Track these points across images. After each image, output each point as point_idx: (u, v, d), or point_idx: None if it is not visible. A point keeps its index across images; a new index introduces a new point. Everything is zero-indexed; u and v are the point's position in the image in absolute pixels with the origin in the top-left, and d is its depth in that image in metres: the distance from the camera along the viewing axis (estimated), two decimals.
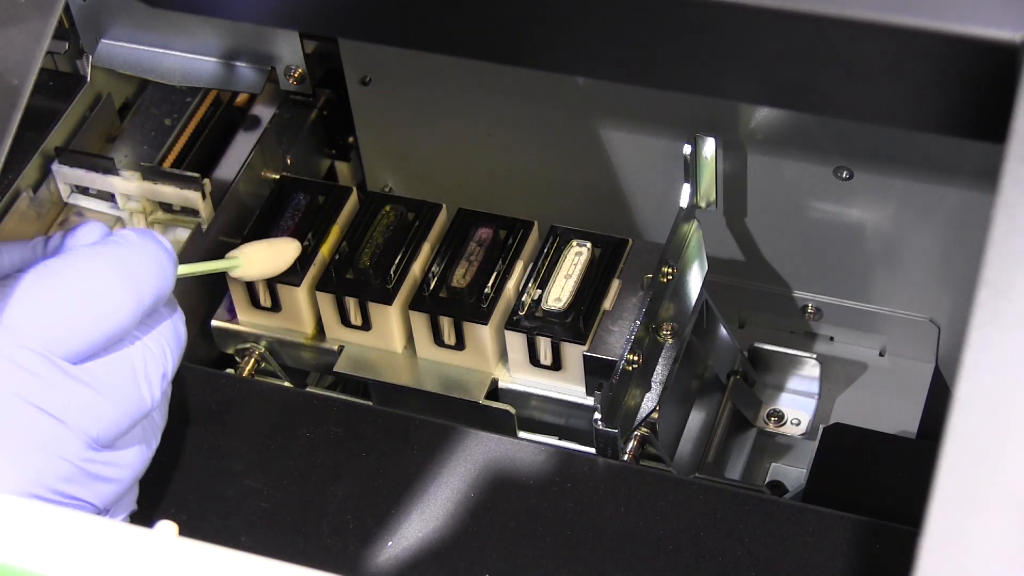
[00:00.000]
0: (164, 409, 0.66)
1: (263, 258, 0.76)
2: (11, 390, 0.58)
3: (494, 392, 0.78)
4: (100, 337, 0.61)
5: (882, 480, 0.78)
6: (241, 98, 0.91)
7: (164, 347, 0.64)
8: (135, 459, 0.64)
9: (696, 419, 0.81)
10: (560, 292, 0.76)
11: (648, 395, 0.76)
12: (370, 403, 0.79)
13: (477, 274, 0.77)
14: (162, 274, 0.63)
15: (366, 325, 0.78)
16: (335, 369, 0.79)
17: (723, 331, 0.82)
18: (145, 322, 0.63)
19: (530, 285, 0.76)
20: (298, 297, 0.78)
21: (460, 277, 0.77)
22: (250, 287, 0.79)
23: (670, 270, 0.77)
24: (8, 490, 0.59)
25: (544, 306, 0.75)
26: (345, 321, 0.78)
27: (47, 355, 0.59)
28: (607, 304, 0.76)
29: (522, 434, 0.78)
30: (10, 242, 0.64)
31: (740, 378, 0.84)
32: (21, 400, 0.59)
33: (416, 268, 0.78)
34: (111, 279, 0.61)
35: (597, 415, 0.72)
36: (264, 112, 0.89)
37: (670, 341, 0.77)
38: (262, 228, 0.80)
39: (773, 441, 0.86)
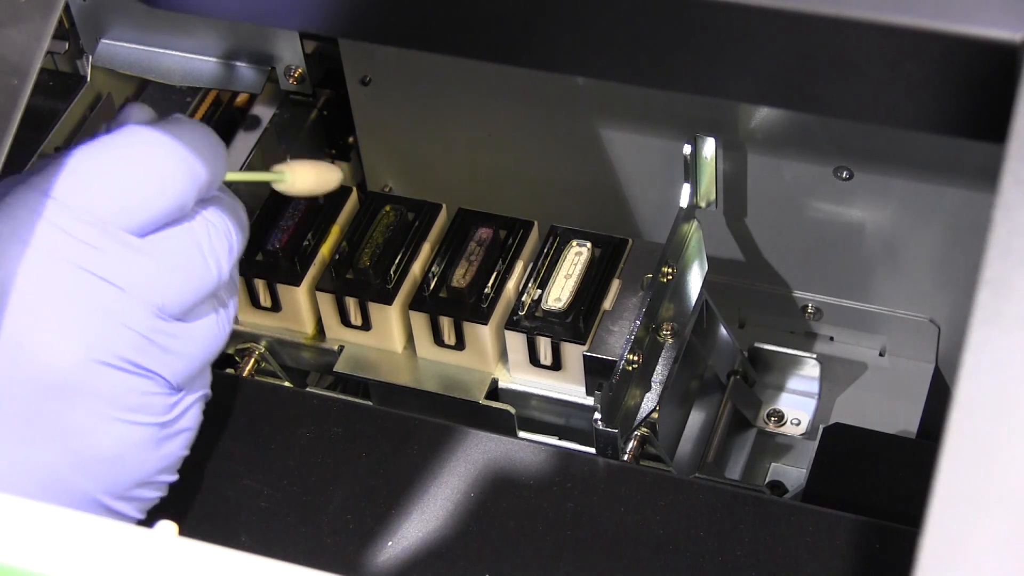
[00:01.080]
0: (235, 293, 0.67)
1: (309, 176, 0.74)
2: (67, 259, 0.59)
3: (494, 392, 0.78)
4: (158, 208, 0.62)
5: (882, 480, 0.78)
6: (241, 98, 0.91)
7: (227, 224, 0.65)
8: (207, 334, 0.65)
9: (696, 419, 0.81)
10: (560, 292, 0.76)
11: (648, 395, 0.76)
12: (370, 403, 0.79)
13: (477, 274, 0.77)
14: (216, 154, 0.64)
15: (366, 325, 0.78)
16: (335, 369, 0.79)
17: (723, 331, 0.82)
18: (205, 201, 0.64)
19: (530, 285, 0.76)
20: (298, 297, 0.79)
21: (460, 277, 0.77)
22: (249, 287, 0.79)
23: (670, 270, 0.77)
24: (70, 355, 0.60)
25: (544, 306, 0.75)
26: (345, 321, 0.78)
27: (104, 225, 0.60)
28: (607, 304, 0.76)
29: (522, 434, 0.78)
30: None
31: (740, 378, 0.84)
32: (78, 268, 0.60)
33: (416, 268, 0.78)
34: (166, 152, 0.62)
35: (597, 415, 0.72)
36: (264, 112, 0.89)
37: (670, 341, 0.77)
38: (262, 228, 0.80)
39: (773, 441, 0.86)
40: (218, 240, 0.64)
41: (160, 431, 0.64)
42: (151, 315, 0.62)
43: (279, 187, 0.73)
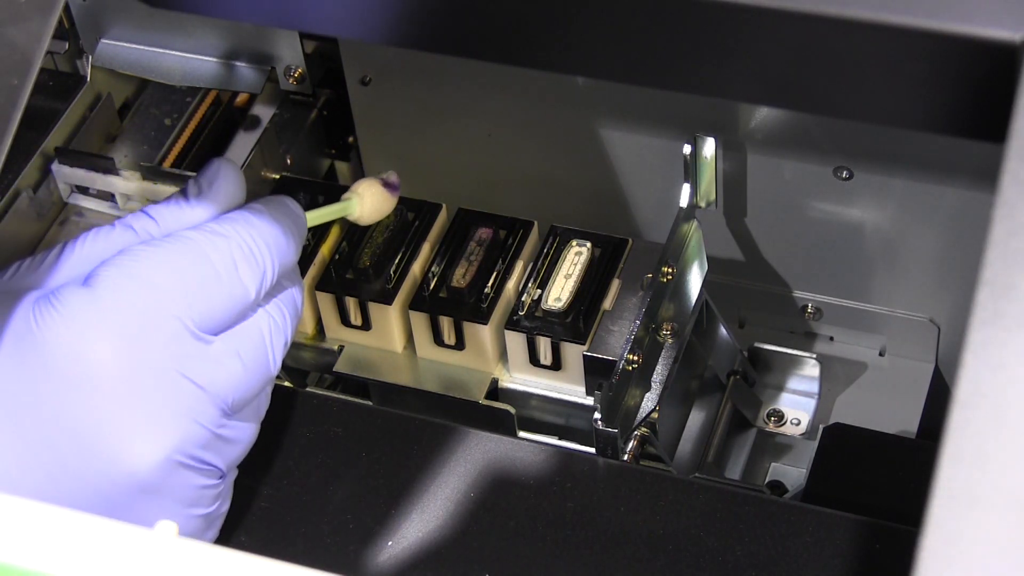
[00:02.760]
0: (273, 379, 0.68)
1: (376, 197, 0.76)
2: (160, 359, 0.61)
3: (494, 392, 0.78)
4: (232, 313, 0.63)
5: (882, 480, 0.78)
6: (241, 98, 0.91)
7: (285, 316, 0.66)
8: (253, 426, 0.66)
9: (696, 419, 0.81)
10: (560, 292, 0.76)
11: (648, 395, 0.76)
12: (370, 403, 0.79)
13: (477, 274, 0.77)
14: (288, 250, 0.66)
15: (366, 325, 0.78)
16: (335, 369, 0.79)
17: (723, 331, 0.82)
18: (270, 291, 0.66)
19: (530, 285, 0.76)
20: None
21: (460, 277, 0.77)
22: None
23: (670, 270, 0.77)
24: (152, 457, 0.61)
25: (544, 306, 0.75)
26: (345, 321, 0.78)
27: (186, 324, 0.61)
28: (607, 304, 0.76)
29: (522, 434, 0.78)
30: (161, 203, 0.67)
31: (740, 378, 0.84)
32: (164, 367, 0.61)
33: (416, 268, 0.78)
34: (244, 258, 0.63)
35: (597, 415, 0.72)
36: (264, 112, 0.89)
37: (670, 341, 0.77)
38: None
39: (773, 441, 0.86)
40: (277, 335, 0.66)
41: (206, 520, 0.65)
42: (220, 413, 0.63)
43: (351, 218, 0.75)
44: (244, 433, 0.65)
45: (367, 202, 0.75)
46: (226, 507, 0.67)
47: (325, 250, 0.79)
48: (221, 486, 0.65)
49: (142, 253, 0.62)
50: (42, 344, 0.60)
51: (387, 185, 0.76)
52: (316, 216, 0.72)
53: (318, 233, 0.79)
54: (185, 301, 0.62)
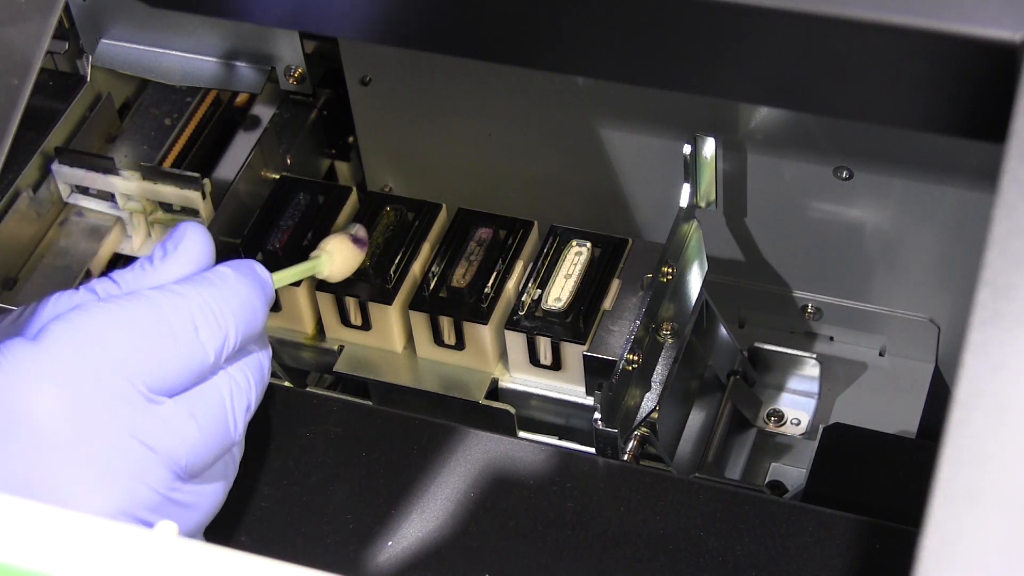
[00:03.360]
0: (242, 444, 0.66)
1: (345, 252, 0.74)
2: (106, 418, 0.59)
3: (494, 392, 0.78)
4: (189, 375, 0.61)
5: (882, 480, 0.78)
6: (241, 98, 0.91)
7: (249, 380, 0.64)
8: (216, 491, 0.64)
9: (696, 419, 0.81)
10: (560, 292, 0.76)
11: (648, 395, 0.76)
12: (370, 403, 0.79)
13: (477, 274, 0.77)
14: (253, 314, 0.64)
15: (366, 325, 0.78)
16: (335, 369, 0.79)
17: (723, 331, 0.82)
18: (234, 356, 0.64)
19: (530, 285, 0.76)
20: (298, 297, 0.78)
21: (460, 277, 0.77)
22: None
23: (670, 270, 0.77)
24: (94, 515, 0.58)
25: (544, 306, 0.75)
26: (345, 321, 0.78)
27: (138, 385, 0.59)
28: (607, 304, 0.76)
29: (522, 434, 0.78)
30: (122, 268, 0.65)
31: (740, 378, 0.84)
32: (116, 428, 0.59)
33: (416, 268, 0.78)
34: (204, 320, 0.61)
35: (597, 415, 0.72)
36: (264, 112, 0.89)
37: (670, 341, 0.77)
38: (262, 228, 0.80)
39: (773, 441, 0.86)
40: (239, 400, 0.63)
41: None
42: (173, 476, 0.61)
43: (320, 276, 0.73)
44: (203, 498, 0.63)
45: (336, 260, 0.73)
46: None
47: None
48: None
49: (95, 308, 0.60)
50: None
51: (356, 241, 0.74)
52: (284, 276, 0.70)
53: (318, 233, 0.79)
54: (137, 359, 0.60)
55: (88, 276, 0.83)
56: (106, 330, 0.60)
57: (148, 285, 0.63)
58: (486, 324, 0.76)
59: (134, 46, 0.88)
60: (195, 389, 0.62)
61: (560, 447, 0.76)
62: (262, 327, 0.65)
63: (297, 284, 0.77)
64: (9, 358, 0.59)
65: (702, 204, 0.80)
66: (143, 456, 0.59)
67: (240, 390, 0.63)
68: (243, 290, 0.63)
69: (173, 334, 0.61)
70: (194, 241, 0.64)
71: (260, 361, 0.65)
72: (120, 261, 0.86)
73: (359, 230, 0.75)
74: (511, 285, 0.77)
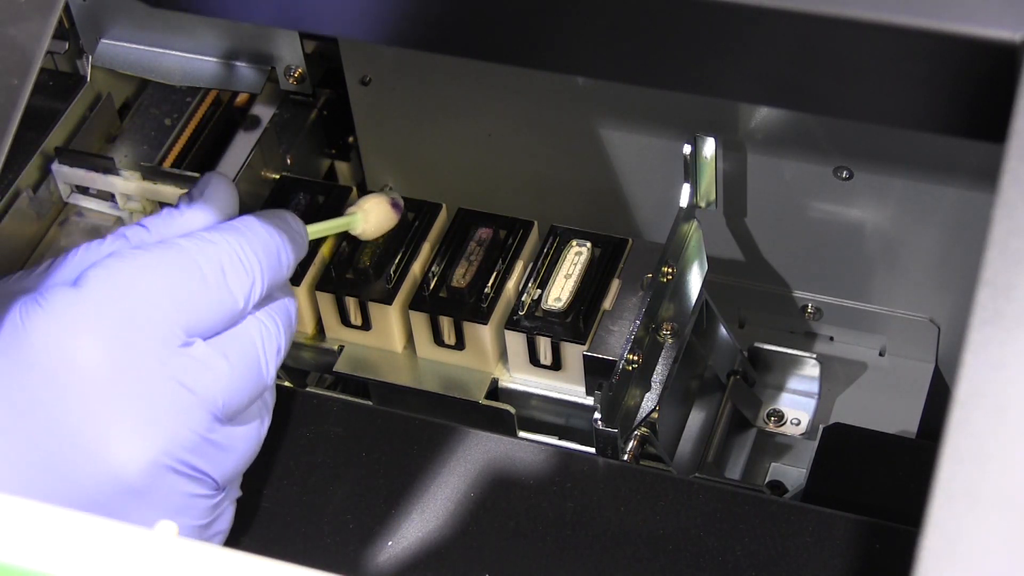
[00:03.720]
0: (273, 389, 0.68)
1: (380, 211, 0.76)
2: (146, 360, 0.60)
3: (494, 392, 0.78)
4: (220, 319, 0.63)
5: (882, 480, 0.78)
6: (241, 98, 0.91)
7: (278, 324, 0.66)
8: (252, 435, 0.65)
9: (696, 419, 0.81)
10: (560, 292, 0.76)
11: (648, 395, 0.76)
12: (370, 403, 0.79)
13: (477, 274, 0.77)
14: (279, 261, 0.66)
15: (366, 325, 0.78)
16: (335, 369, 0.79)
17: (723, 331, 0.82)
18: (262, 300, 0.66)
19: (530, 285, 0.76)
20: (298, 297, 0.78)
21: (460, 277, 0.77)
22: None
23: (670, 270, 0.77)
24: (138, 459, 0.60)
25: (544, 306, 0.75)
26: (345, 321, 0.78)
27: (176, 329, 0.61)
28: (607, 304, 0.76)
29: (522, 434, 0.78)
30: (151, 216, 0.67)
31: (740, 378, 0.84)
32: (155, 370, 0.60)
33: (416, 268, 0.78)
34: (233, 266, 0.63)
35: (597, 415, 0.72)
36: (264, 112, 0.89)
37: (670, 341, 0.77)
38: None
39: (773, 441, 0.86)
40: (270, 344, 0.65)
41: (200, 534, 0.64)
42: (212, 418, 0.62)
43: (354, 232, 0.76)
44: (239, 441, 0.64)
45: (372, 219, 0.76)
46: (224, 525, 0.66)
47: (325, 250, 0.79)
48: (216, 498, 0.64)
49: (130, 256, 0.62)
50: (27, 342, 0.60)
51: (394, 205, 0.77)
52: (319, 229, 0.72)
53: None
54: (172, 304, 0.61)
55: None
56: (142, 276, 0.62)
57: (176, 232, 0.65)
58: (486, 324, 0.76)
59: (134, 46, 0.88)
60: (227, 332, 0.64)
61: (560, 447, 0.76)
62: (287, 275, 0.67)
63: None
64: (51, 302, 0.60)
65: (702, 204, 0.80)
66: (183, 397, 0.61)
67: (270, 333, 0.65)
68: (268, 237, 0.65)
69: (204, 279, 0.62)
70: (218, 189, 0.67)
71: (287, 306, 0.67)
72: None
73: (396, 196, 0.77)
74: (511, 285, 0.77)
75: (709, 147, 0.79)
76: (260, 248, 0.65)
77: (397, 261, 0.78)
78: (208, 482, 0.63)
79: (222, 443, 0.63)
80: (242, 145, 0.87)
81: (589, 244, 0.78)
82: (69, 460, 0.60)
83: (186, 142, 0.88)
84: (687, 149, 0.78)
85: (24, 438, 0.60)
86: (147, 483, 0.61)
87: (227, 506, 0.66)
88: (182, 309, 0.62)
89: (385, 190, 0.78)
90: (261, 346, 0.65)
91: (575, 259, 0.77)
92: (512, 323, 0.75)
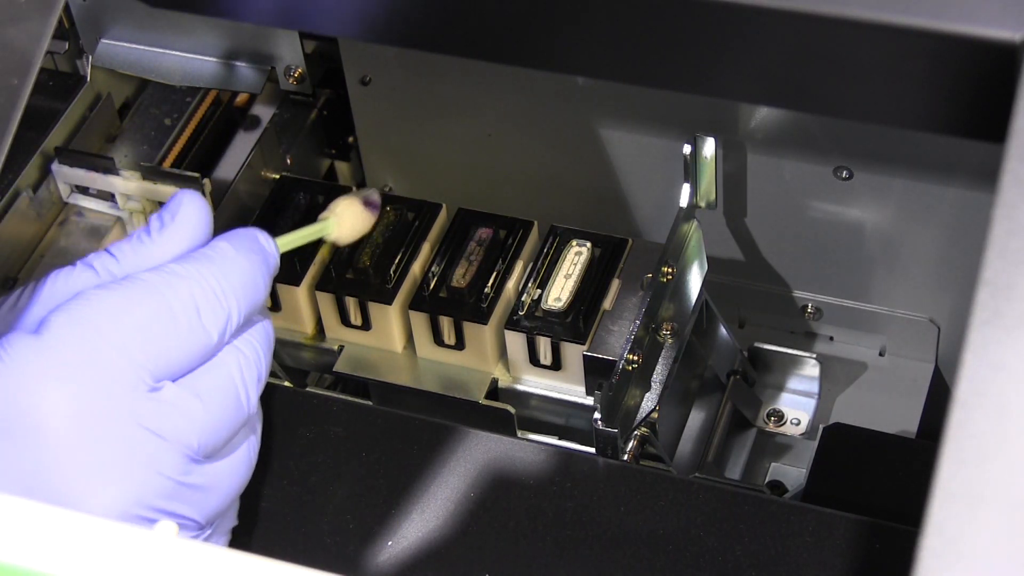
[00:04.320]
0: (259, 417, 0.65)
1: (353, 214, 0.73)
2: (112, 409, 0.58)
3: (494, 392, 0.78)
4: (193, 357, 0.60)
5: (882, 480, 0.78)
6: (241, 98, 0.91)
7: (258, 353, 0.63)
8: (236, 469, 0.63)
9: (696, 419, 0.81)
10: (560, 292, 0.76)
11: (648, 395, 0.76)
12: (370, 403, 0.79)
13: (477, 274, 0.77)
14: (255, 289, 0.62)
15: (366, 325, 0.78)
16: (335, 369, 0.79)
17: (723, 331, 0.82)
18: (238, 330, 0.63)
19: (530, 285, 0.76)
20: (298, 297, 0.78)
21: (460, 277, 0.77)
22: None
23: (670, 270, 0.77)
24: (109, 512, 0.58)
25: (544, 306, 0.75)
26: (345, 321, 0.78)
27: (144, 374, 0.59)
28: (607, 304, 0.76)
29: (522, 434, 0.78)
30: (111, 244, 0.63)
31: (740, 378, 0.84)
32: (122, 419, 0.58)
33: (416, 268, 0.78)
34: (204, 304, 0.60)
35: (597, 415, 0.72)
36: (264, 112, 0.89)
37: (670, 341, 0.77)
38: (262, 228, 0.79)
39: (773, 441, 0.86)
40: (249, 373, 0.62)
41: None
42: (186, 460, 0.60)
43: (330, 238, 0.72)
44: (222, 478, 0.62)
45: (345, 222, 0.72)
46: None
47: (325, 250, 0.79)
48: (200, 537, 0.62)
49: (94, 298, 0.59)
50: None
51: (367, 203, 0.73)
52: (291, 240, 0.68)
53: None
54: (139, 348, 0.59)
55: None
56: (107, 320, 0.59)
57: (147, 260, 0.62)
58: (486, 324, 0.76)
59: (134, 46, 0.88)
60: (200, 369, 0.61)
61: (560, 447, 0.76)
62: (264, 299, 0.64)
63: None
64: (12, 354, 0.58)
65: (702, 204, 0.80)
66: (153, 444, 0.59)
67: (248, 362, 0.62)
68: (245, 265, 0.62)
69: (175, 319, 0.59)
70: (191, 210, 0.63)
71: (264, 329, 0.64)
72: None
73: (372, 194, 0.74)
74: (511, 285, 0.77)
75: (709, 147, 0.79)
76: (236, 278, 0.61)
77: (397, 261, 0.78)
78: (189, 524, 0.61)
79: (201, 484, 0.61)
80: (242, 145, 0.87)
81: (589, 244, 0.78)
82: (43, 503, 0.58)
83: (186, 142, 0.88)
84: (687, 149, 0.78)
85: None
86: None
87: (217, 540, 0.64)
88: (151, 352, 0.59)
89: (363, 190, 0.75)
90: (240, 377, 0.62)
91: (575, 259, 0.77)
92: (512, 323, 0.75)
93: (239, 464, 0.63)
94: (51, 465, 0.57)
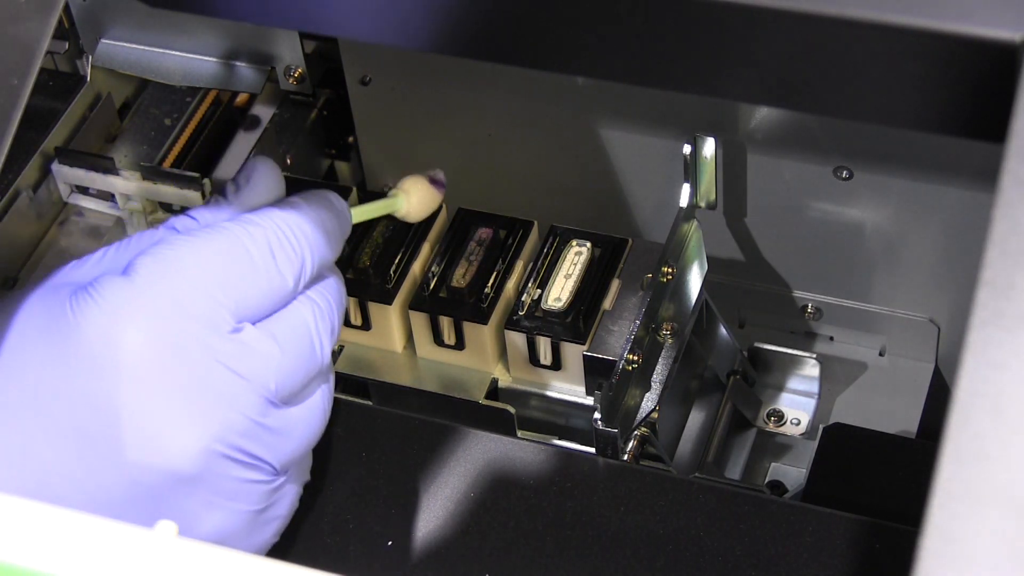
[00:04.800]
0: (332, 372, 0.67)
1: (423, 193, 0.75)
2: (196, 346, 0.60)
3: (494, 392, 0.78)
4: (270, 301, 0.63)
5: (882, 480, 0.78)
6: (241, 98, 0.91)
7: (331, 305, 0.65)
8: (311, 418, 0.65)
9: (696, 419, 0.81)
10: (560, 292, 0.76)
11: (648, 395, 0.76)
12: (370, 403, 0.79)
13: (477, 274, 0.77)
14: (328, 241, 0.65)
15: (366, 325, 0.78)
16: (335, 369, 0.79)
17: (723, 331, 0.82)
18: (311, 282, 0.65)
19: (530, 285, 0.76)
20: None
21: (460, 277, 0.77)
22: None
23: (670, 270, 0.77)
24: (189, 446, 0.60)
25: (544, 306, 0.75)
26: (345, 321, 0.78)
27: (225, 314, 0.61)
28: (607, 304, 0.76)
29: (522, 434, 0.78)
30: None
31: (740, 378, 0.84)
32: (202, 356, 0.60)
33: (416, 268, 0.78)
34: (280, 248, 0.63)
35: (597, 415, 0.72)
36: (264, 112, 0.89)
37: (670, 341, 0.77)
38: None
39: (773, 441, 0.86)
40: (323, 323, 0.64)
41: (256, 518, 0.64)
42: (265, 402, 0.62)
43: (399, 215, 0.74)
44: (297, 424, 0.64)
45: (414, 199, 0.74)
46: (284, 510, 0.65)
47: None
48: (273, 483, 0.64)
49: (178, 242, 0.62)
50: (78, 331, 0.60)
51: (433, 182, 0.75)
52: (362, 212, 0.71)
53: None
54: (221, 289, 0.61)
55: None
56: (190, 262, 0.61)
57: (224, 218, 0.65)
58: (486, 324, 0.76)
59: (134, 46, 0.88)
60: (277, 314, 0.63)
61: (560, 447, 0.76)
62: (336, 254, 0.66)
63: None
64: (102, 292, 0.60)
65: (702, 204, 0.80)
66: (233, 382, 0.61)
67: (322, 312, 0.64)
68: (317, 217, 0.65)
69: (252, 262, 0.62)
70: (263, 173, 0.66)
71: (336, 285, 0.66)
72: None
73: (437, 172, 0.75)
74: (511, 285, 0.77)
75: (709, 147, 0.79)
76: (308, 228, 0.64)
77: (397, 261, 0.78)
78: (264, 467, 0.63)
79: (277, 427, 0.63)
80: (242, 145, 0.87)
81: (589, 244, 0.78)
82: (118, 450, 0.60)
83: (186, 142, 0.88)
84: (687, 149, 0.78)
85: (75, 429, 0.60)
86: (199, 470, 0.60)
87: (288, 489, 0.65)
88: (231, 293, 0.61)
89: (429, 170, 0.76)
90: (314, 326, 0.64)
91: (575, 259, 0.77)
92: (512, 323, 0.75)
93: (314, 412, 0.65)
94: (135, 400, 0.59)
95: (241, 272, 0.62)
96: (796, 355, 0.86)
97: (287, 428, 0.63)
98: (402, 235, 0.79)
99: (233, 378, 0.61)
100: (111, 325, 0.60)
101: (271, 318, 0.63)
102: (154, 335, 0.60)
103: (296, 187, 0.81)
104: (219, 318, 0.61)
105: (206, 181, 0.82)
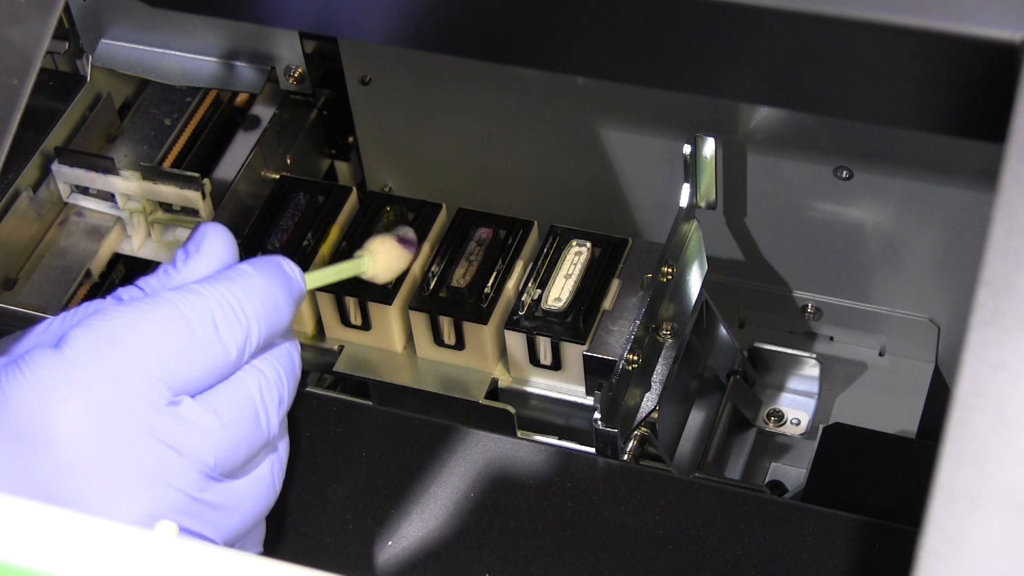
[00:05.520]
0: (286, 441, 0.65)
1: (390, 254, 0.74)
2: (130, 421, 0.58)
3: (494, 392, 0.78)
4: (211, 373, 0.60)
5: (882, 480, 0.78)
6: (241, 98, 0.91)
7: (279, 375, 0.63)
8: (257, 491, 0.63)
9: (696, 419, 0.81)
10: (560, 292, 0.76)
11: (648, 395, 0.76)
12: (370, 403, 0.79)
13: (477, 274, 0.77)
14: (276, 310, 0.62)
15: (366, 325, 0.78)
16: (335, 369, 0.79)
17: (723, 331, 0.82)
18: (260, 351, 0.63)
19: (530, 285, 0.76)
20: None
21: (460, 277, 0.77)
22: None
23: (670, 270, 0.77)
24: (123, 521, 0.57)
25: (544, 306, 0.75)
26: (345, 321, 0.78)
27: (161, 387, 0.59)
28: (607, 304, 0.76)
29: (522, 434, 0.78)
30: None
31: (740, 378, 0.84)
32: (140, 431, 0.58)
33: (416, 268, 0.78)
34: (224, 318, 0.61)
35: (597, 415, 0.72)
36: (264, 112, 0.89)
37: (670, 341, 0.77)
38: (262, 228, 0.80)
39: (773, 441, 0.86)
40: (269, 394, 0.62)
41: None
42: (203, 477, 0.60)
43: (365, 277, 0.72)
44: (241, 499, 0.62)
45: (380, 260, 0.73)
46: None
47: (325, 250, 0.79)
48: None
49: (114, 313, 0.60)
50: (8, 408, 0.58)
51: (402, 241, 0.74)
52: (323, 275, 0.69)
53: (318, 233, 0.79)
54: (156, 362, 0.59)
55: (88, 276, 0.83)
56: (124, 333, 0.59)
57: (171, 287, 0.62)
58: (486, 324, 0.76)
59: (134, 46, 0.88)
60: (219, 386, 0.61)
61: (560, 447, 0.76)
62: (288, 323, 0.64)
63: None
64: (32, 366, 0.58)
65: (702, 204, 0.80)
66: (168, 458, 0.59)
67: (269, 383, 0.62)
68: (264, 285, 0.62)
69: (192, 333, 0.60)
70: (215, 241, 0.64)
71: (289, 353, 0.64)
72: (120, 261, 0.86)
73: (407, 231, 0.74)
74: (511, 285, 0.77)
75: (709, 147, 0.79)
76: (255, 297, 0.62)
77: None
78: (205, 543, 0.61)
79: (219, 502, 0.61)
80: (242, 145, 0.88)
81: (589, 244, 0.78)
82: None
83: (186, 142, 0.88)
84: (687, 149, 0.78)
85: None
86: None
87: None
88: (168, 366, 0.59)
89: (396, 228, 0.75)
90: (259, 397, 0.62)
91: (575, 259, 0.77)
92: (512, 323, 0.75)
93: (259, 486, 0.63)
94: (67, 475, 0.57)
95: (180, 344, 0.59)
96: (796, 355, 0.86)
97: (230, 503, 0.61)
98: None
99: (168, 453, 0.59)
100: (41, 402, 0.58)
101: (213, 390, 0.61)
102: (84, 411, 0.58)
103: (296, 187, 0.81)
104: (155, 392, 0.59)
105: (206, 181, 0.82)
